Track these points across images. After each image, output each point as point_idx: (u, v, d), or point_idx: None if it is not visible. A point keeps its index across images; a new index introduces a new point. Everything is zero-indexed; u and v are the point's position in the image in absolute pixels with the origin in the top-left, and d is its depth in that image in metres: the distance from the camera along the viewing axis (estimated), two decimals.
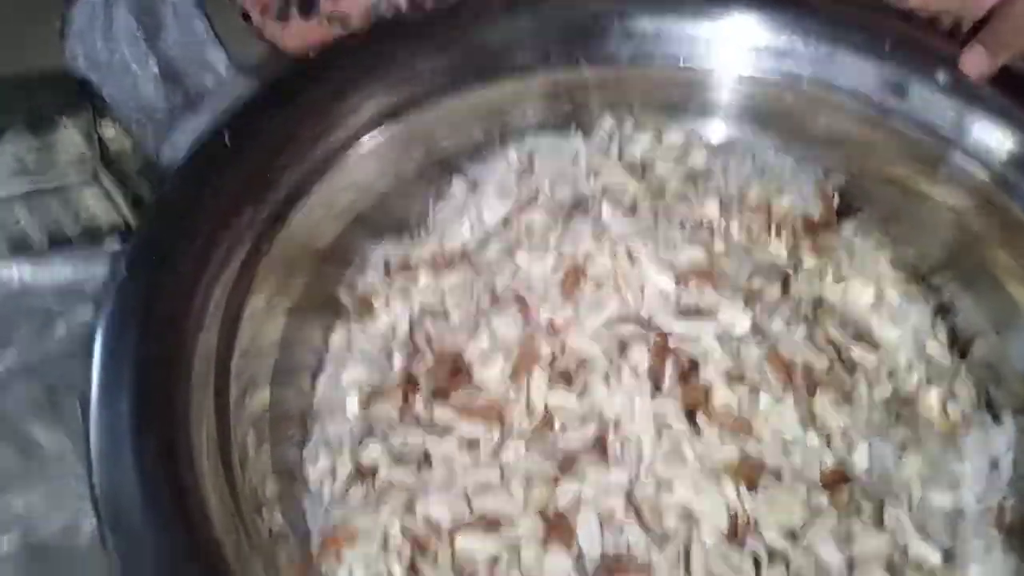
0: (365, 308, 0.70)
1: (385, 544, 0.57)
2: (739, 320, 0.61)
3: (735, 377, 0.59)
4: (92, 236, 0.74)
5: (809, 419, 0.59)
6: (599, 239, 0.64)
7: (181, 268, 0.53)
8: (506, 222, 0.71)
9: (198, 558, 0.45)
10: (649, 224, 0.66)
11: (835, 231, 0.71)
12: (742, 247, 0.68)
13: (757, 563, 0.55)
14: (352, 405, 0.65)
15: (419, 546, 0.57)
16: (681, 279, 0.62)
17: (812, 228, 0.70)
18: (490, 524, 0.56)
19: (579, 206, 0.69)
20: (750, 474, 0.56)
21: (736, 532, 0.55)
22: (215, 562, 0.46)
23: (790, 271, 0.67)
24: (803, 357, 0.61)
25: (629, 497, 0.56)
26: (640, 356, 0.59)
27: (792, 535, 0.56)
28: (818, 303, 0.66)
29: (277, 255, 0.60)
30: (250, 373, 0.59)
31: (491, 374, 0.61)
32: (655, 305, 0.61)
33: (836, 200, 0.72)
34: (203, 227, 0.55)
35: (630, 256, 0.62)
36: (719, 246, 0.66)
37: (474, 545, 0.56)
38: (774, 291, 0.64)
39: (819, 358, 0.62)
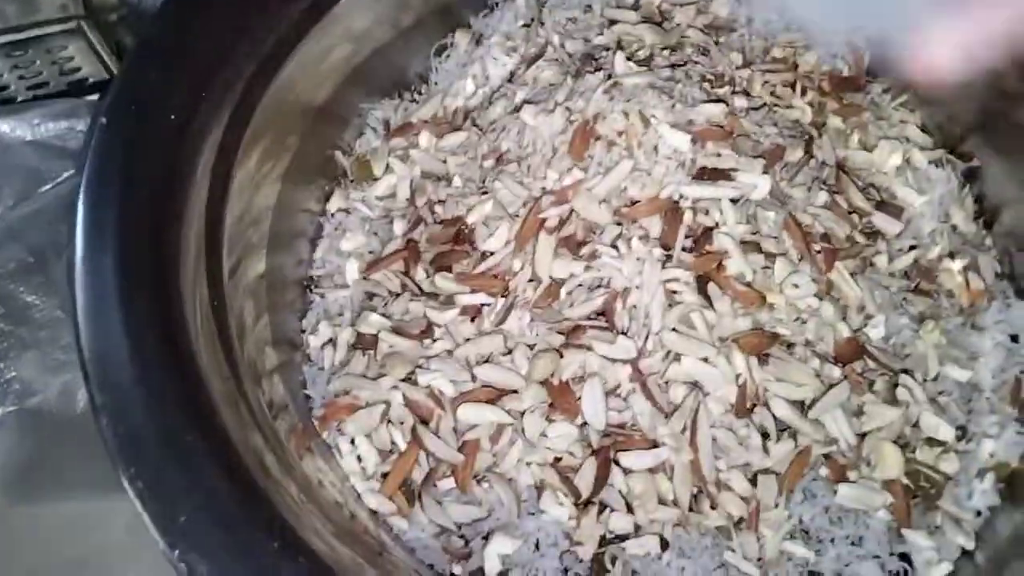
0: (363, 171, 0.67)
1: (387, 414, 0.56)
2: (758, 183, 0.57)
3: (750, 245, 0.57)
4: (76, 90, 0.70)
5: (825, 289, 0.57)
6: (611, 95, 0.60)
7: (165, 119, 0.49)
8: (512, 78, 0.67)
9: (190, 411, 0.44)
10: (665, 79, 0.62)
11: (863, 90, 0.67)
12: (764, 105, 0.63)
13: (764, 436, 0.54)
14: (352, 273, 0.64)
15: (421, 416, 0.56)
16: (698, 139, 0.58)
17: (838, 86, 0.66)
18: (493, 395, 0.55)
19: (590, 60, 0.65)
20: (761, 346, 0.54)
21: (744, 404, 0.54)
22: (206, 412, 0.45)
23: (813, 133, 0.63)
24: (822, 224, 0.59)
25: (635, 368, 0.54)
26: (651, 222, 0.57)
27: (802, 408, 0.54)
28: (841, 168, 0.62)
29: (269, 109, 0.56)
30: (245, 239, 0.57)
31: (495, 241, 0.59)
32: (669, 167, 0.58)
33: (867, 58, 0.68)
34: (188, 75, 0.51)
35: (643, 114, 0.59)
36: (740, 103, 0.62)
37: (477, 416, 0.55)
38: (796, 153, 0.60)
39: (839, 225, 0.59)
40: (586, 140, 0.59)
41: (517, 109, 0.63)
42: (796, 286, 0.56)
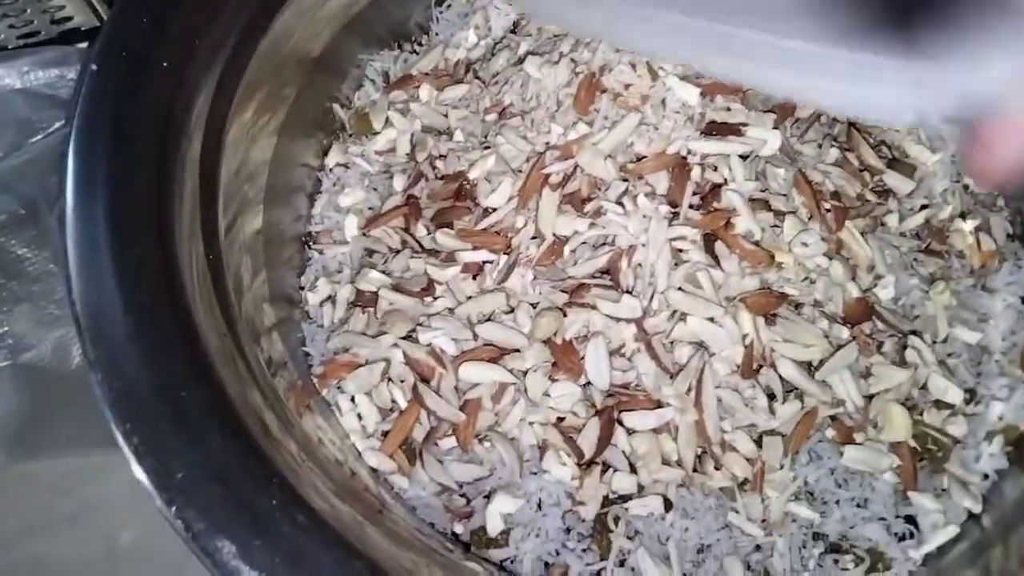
0: (362, 125, 0.65)
1: (387, 372, 0.55)
2: (768, 139, 0.56)
3: (759, 203, 0.55)
4: (67, 39, 0.68)
5: (835, 248, 0.56)
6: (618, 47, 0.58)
7: (157, 65, 0.47)
8: (516, 28, 0.65)
9: (186, 367, 0.43)
10: None
11: None
12: None
13: (770, 397, 0.53)
14: (351, 229, 0.62)
15: (422, 375, 0.55)
16: (707, 92, 0.56)
17: None
18: (495, 353, 0.54)
19: None
20: (769, 305, 0.54)
21: (751, 365, 0.53)
22: (203, 367, 0.44)
23: None
24: (833, 182, 0.57)
25: (640, 327, 0.53)
26: (658, 178, 0.55)
27: (809, 369, 0.54)
28: (852, 124, 0.61)
29: (264, 58, 0.54)
30: (241, 194, 0.55)
31: (497, 197, 0.57)
32: (678, 121, 0.56)
33: None
34: (181, 20, 0.48)
35: (651, 66, 0.57)
36: None
37: (479, 374, 0.54)
38: (806, 109, 0.59)
39: (850, 183, 0.58)
40: (592, 93, 0.57)
41: (521, 61, 0.62)
42: (805, 245, 0.55)
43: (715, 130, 0.56)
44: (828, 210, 0.56)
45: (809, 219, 0.56)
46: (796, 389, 0.54)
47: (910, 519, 0.55)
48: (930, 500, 0.54)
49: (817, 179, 0.57)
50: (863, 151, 0.59)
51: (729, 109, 0.57)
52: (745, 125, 0.56)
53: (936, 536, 0.54)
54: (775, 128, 0.56)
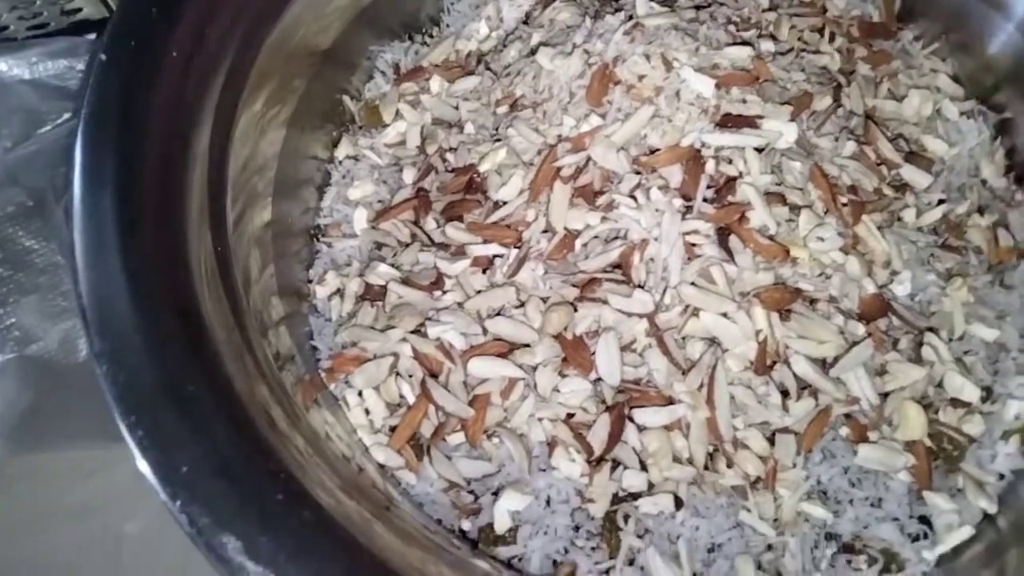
0: (372, 117, 0.65)
1: (395, 367, 0.55)
2: (785, 131, 0.55)
3: (775, 196, 0.54)
4: (76, 31, 0.67)
5: (852, 243, 0.55)
6: (632, 37, 0.57)
7: (167, 55, 0.47)
8: (528, 20, 0.64)
9: (193, 359, 0.42)
10: (689, 20, 0.59)
11: (893, 37, 0.64)
12: (791, 50, 0.61)
13: (784, 394, 0.52)
14: (360, 222, 0.62)
15: (430, 369, 0.54)
16: (722, 84, 0.56)
17: (868, 33, 0.63)
18: (504, 348, 0.54)
19: (610, 1, 0.62)
20: (783, 301, 0.53)
21: (764, 361, 0.52)
22: (210, 360, 0.43)
23: (842, 80, 0.61)
24: (850, 176, 0.56)
25: (652, 323, 0.52)
26: (671, 171, 0.54)
27: (823, 366, 0.53)
28: (870, 117, 0.60)
29: (274, 50, 0.54)
30: (250, 187, 0.55)
31: (508, 191, 0.57)
32: (692, 113, 0.56)
33: (898, 3, 0.65)
34: (190, 9, 0.48)
35: (666, 57, 0.56)
36: (766, 46, 0.59)
37: (488, 369, 0.53)
38: (824, 101, 0.58)
39: (867, 177, 0.57)
40: (605, 84, 0.56)
41: (533, 52, 0.61)
42: (821, 239, 0.54)
43: (730, 122, 0.55)
44: (844, 204, 0.55)
45: (825, 213, 0.55)
46: (810, 386, 0.53)
47: (924, 519, 0.54)
48: (945, 500, 0.53)
49: (833, 172, 0.56)
50: (880, 144, 0.59)
51: (745, 101, 0.56)
52: (761, 117, 0.55)
53: (951, 537, 0.53)
54: (791, 120, 0.55)
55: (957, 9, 0.63)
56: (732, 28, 0.59)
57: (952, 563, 0.53)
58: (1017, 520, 0.53)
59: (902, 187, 0.59)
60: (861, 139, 0.59)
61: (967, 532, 0.53)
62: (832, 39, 0.62)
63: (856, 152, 0.57)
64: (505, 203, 0.57)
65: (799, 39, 0.62)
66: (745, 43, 0.58)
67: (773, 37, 0.61)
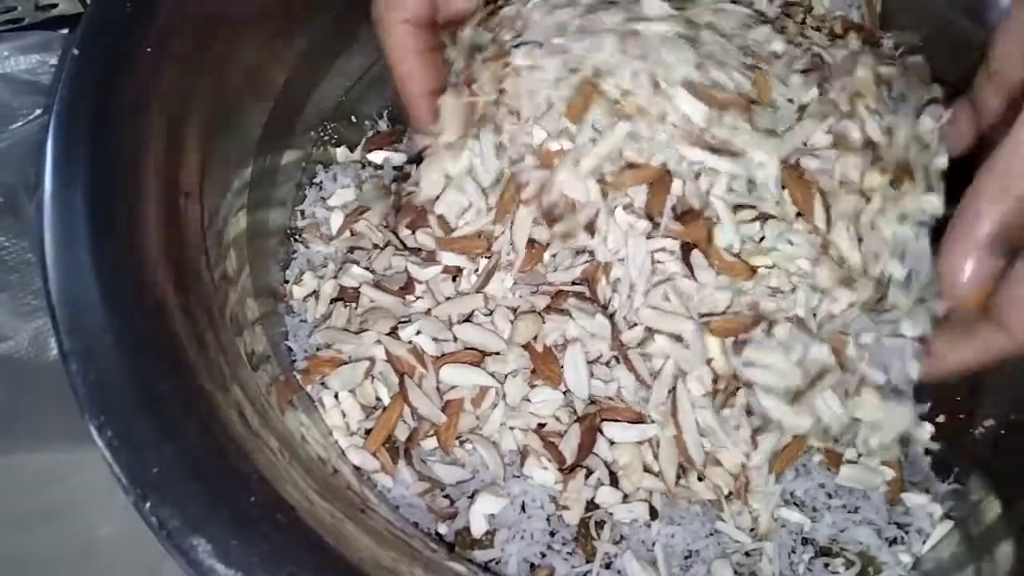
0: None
1: (371, 370, 0.54)
2: (768, 164, 0.50)
3: (745, 208, 0.50)
4: (52, 26, 0.66)
5: (822, 250, 0.50)
6: (624, 49, 0.51)
7: (140, 49, 0.46)
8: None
9: (164, 359, 0.42)
10: (706, 24, 0.54)
11: (875, 42, 0.63)
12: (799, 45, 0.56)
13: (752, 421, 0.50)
14: (337, 224, 0.61)
15: (403, 373, 0.53)
16: (715, 107, 0.50)
17: (853, 30, 0.62)
18: (476, 357, 0.53)
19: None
20: (736, 330, 0.49)
21: (722, 389, 0.50)
22: (178, 357, 0.42)
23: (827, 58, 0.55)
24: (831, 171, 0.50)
25: (616, 339, 0.50)
26: (638, 191, 0.50)
27: (790, 394, 0.49)
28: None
29: None
30: (226, 183, 0.54)
31: (466, 219, 0.54)
32: (674, 135, 0.50)
33: (879, 5, 0.64)
34: (165, 3, 0.48)
35: (655, 74, 0.50)
36: (777, 46, 0.54)
37: (459, 377, 0.52)
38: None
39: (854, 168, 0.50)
40: (587, 100, 0.50)
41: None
42: (790, 243, 0.49)
43: (713, 149, 0.50)
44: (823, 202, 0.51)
45: (797, 216, 0.50)
46: (773, 419, 0.49)
47: (902, 527, 0.54)
48: (920, 495, 0.53)
49: (812, 166, 0.50)
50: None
51: (736, 128, 0.50)
52: (745, 151, 0.50)
53: (927, 539, 0.53)
54: (776, 155, 0.50)
55: (940, 21, 0.63)
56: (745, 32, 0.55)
57: (929, 566, 0.54)
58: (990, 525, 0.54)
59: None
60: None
61: (943, 530, 0.54)
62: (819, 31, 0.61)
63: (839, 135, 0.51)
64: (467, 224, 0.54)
65: (802, 34, 0.58)
66: (753, 53, 0.53)
67: (784, 30, 0.57)
